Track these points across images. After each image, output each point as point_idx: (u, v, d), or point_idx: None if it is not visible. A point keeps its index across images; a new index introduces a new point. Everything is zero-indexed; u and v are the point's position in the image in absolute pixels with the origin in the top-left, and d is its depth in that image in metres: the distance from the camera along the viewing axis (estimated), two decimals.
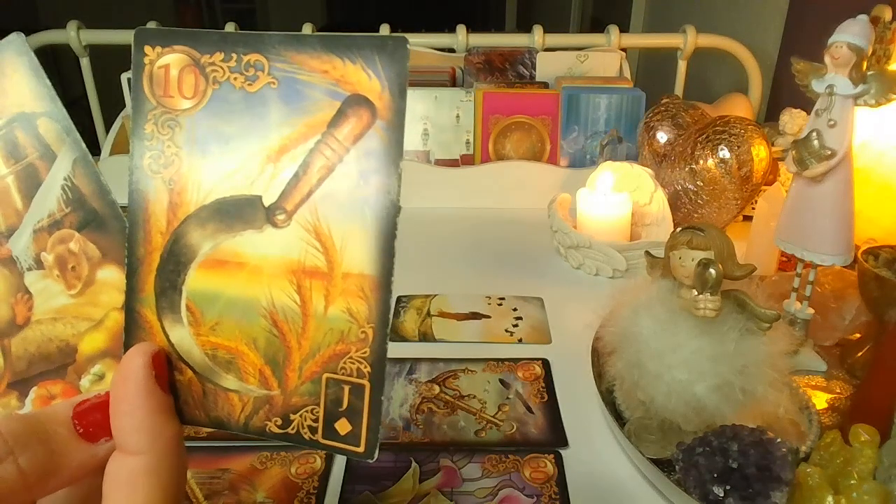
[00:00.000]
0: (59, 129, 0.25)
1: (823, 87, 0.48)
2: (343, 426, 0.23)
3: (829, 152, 0.48)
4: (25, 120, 0.25)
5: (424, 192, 0.94)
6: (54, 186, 0.26)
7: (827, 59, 0.48)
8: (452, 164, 0.96)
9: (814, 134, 0.49)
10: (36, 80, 0.25)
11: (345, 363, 0.23)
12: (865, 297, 0.54)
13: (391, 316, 0.22)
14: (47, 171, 0.25)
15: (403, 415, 0.51)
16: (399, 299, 0.68)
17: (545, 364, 0.57)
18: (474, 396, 0.53)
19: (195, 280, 0.24)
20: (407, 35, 0.23)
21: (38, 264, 0.26)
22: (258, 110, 0.23)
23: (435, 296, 0.69)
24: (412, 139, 0.95)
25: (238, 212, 0.23)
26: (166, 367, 0.24)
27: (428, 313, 0.66)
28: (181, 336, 0.24)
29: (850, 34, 0.46)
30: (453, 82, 1.03)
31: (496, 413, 0.51)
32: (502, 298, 0.69)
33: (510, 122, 0.94)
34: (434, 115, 0.94)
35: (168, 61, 0.23)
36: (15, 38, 0.25)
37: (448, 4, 4.06)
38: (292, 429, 0.24)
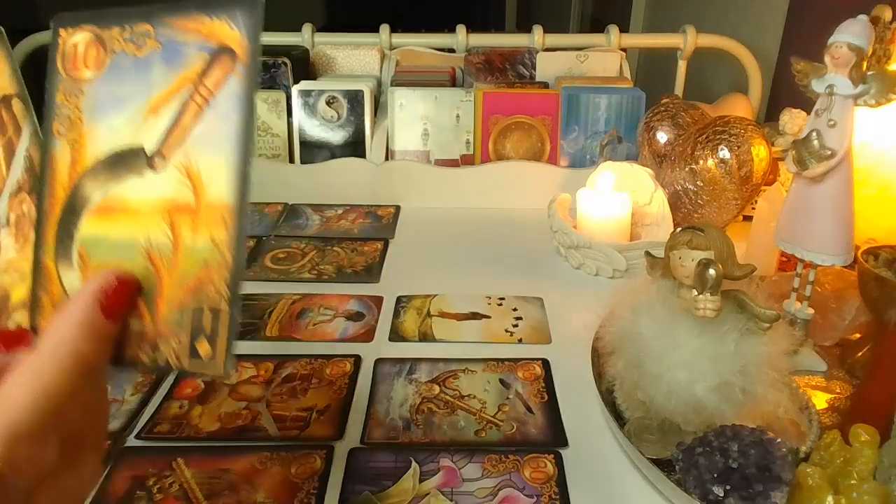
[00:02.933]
0: (23, 107, 0.29)
1: (823, 87, 0.48)
2: (204, 349, 0.25)
3: (829, 152, 0.48)
4: (6, 101, 0.29)
5: (424, 192, 0.94)
6: (20, 157, 0.29)
7: (827, 59, 0.48)
8: (452, 164, 0.96)
9: (814, 134, 0.49)
10: (11, 67, 0.29)
11: (207, 288, 0.25)
12: (865, 297, 0.54)
13: (246, 241, 0.24)
14: (17, 143, 0.29)
15: (403, 415, 0.51)
16: (399, 299, 0.68)
17: (545, 364, 0.57)
18: (474, 396, 0.53)
19: (86, 226, 0.27)
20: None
21: (7, 223, 0.30)
22: (145, 72, 0.26)
23: (435, 296, 0.69)
24: (412, 139, 0.95)
25: (124, 161, 0.26)
26: (120, 296, 0.25)
27: (428, 313, 0.66)
28: (72, 280, 0.27)
29: (850, 34, 0.46)
30: (453, 82, 1.03)
31: (496, 413, 0.51)
32: (502, 298, 0.69)
33: (510, 122, 0.94)
34: (434, 115, 0.94)
35: (77, 39, 0.27)
36: None
37: (448, 4, 4.06)
38: (161, 358, 0.25)
